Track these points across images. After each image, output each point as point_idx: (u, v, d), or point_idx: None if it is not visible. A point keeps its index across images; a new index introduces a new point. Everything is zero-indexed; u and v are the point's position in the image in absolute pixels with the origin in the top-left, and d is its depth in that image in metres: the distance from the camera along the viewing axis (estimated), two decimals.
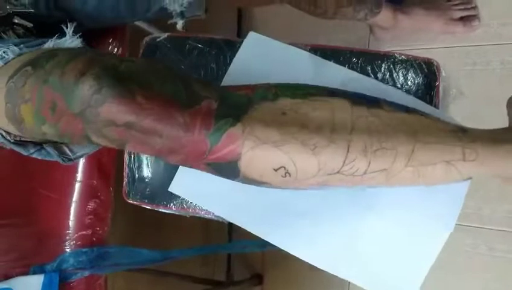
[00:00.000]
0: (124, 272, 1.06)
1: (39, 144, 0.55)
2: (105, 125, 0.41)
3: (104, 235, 0.85)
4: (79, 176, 0.84)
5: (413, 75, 0.59)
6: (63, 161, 0.58)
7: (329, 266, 0.55)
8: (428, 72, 0.59)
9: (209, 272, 1.32)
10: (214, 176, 0.45)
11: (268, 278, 1.25)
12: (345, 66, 0.59)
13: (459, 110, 0.62)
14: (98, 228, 0.84)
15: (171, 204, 0.66)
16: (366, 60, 0.60)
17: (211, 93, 0.43)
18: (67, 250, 0.81)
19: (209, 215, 0.64)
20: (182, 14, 0.69)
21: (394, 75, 0.59)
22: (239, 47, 0.63)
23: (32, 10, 0.64)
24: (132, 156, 0.68)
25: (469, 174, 0.44)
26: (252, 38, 0.62)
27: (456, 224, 0.53)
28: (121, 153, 0.73)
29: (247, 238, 1.11)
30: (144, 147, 0.42)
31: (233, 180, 0.45)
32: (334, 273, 0.55)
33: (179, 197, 0.64)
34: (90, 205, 0.83)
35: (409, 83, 0.59)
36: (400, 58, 0.59)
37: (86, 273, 0.79)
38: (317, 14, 0.86)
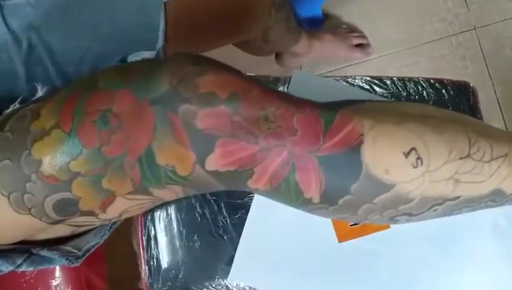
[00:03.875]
0: None
1: (26, 251, 0.41)
2: (201, 101, 0.32)
3: None
4: None
5: (455, 99, 0.57)
6: (70, 261, 0.44)
7: None
8: (467, 94, 0.57)
9: None
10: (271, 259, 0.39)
11: None
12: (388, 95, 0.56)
13: None
14: None
15: (211, 286, 0.53)
16: (408, 86, 0.57)
17: None
18: None
19: None
20: None
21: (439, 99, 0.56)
22: (263, 81, 0.58)
23: None
24: (152, 232, 0.53)
25: None
26: (298, 76, 0.57)
27: None
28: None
29: None
30: (238, 143, 0.33)
31: (345, 194, 0.35)
32: None
33: (217, 276, 0.52)
34: None
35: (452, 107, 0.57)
36: (433, 83, 0.57)
37: None
38: (264, 51, 0.84)
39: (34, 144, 0.33)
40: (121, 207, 0.37)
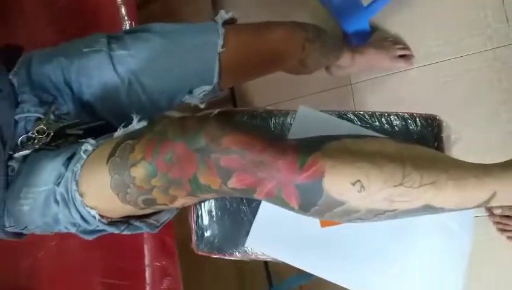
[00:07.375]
0: None
1: (126, 221, 0.66)
2: (223, 152, 0.51)
3: None
4: (147, 260, 0.93)
5: (421, 129, 0.72)
6: (151, 229, 0.69)
7: None
8: (433, 125, 0.72)
9: None
10: (283, 229, 0.59)
11: None
12: (368, 126, 0.74)
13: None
14: None
15: (237, 252, 0.78)
16: (383, 119, 0.73)
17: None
18: None
19: (266, 258, 0.76)
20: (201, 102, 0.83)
21: (408, 129, 0.72)
22: (277, 114, 0.78)
23: (77, 120, 0.74)
24: (199, 212, 0.79)
25: (494, 188, 0.54)
26: (302, 112, 0.77)
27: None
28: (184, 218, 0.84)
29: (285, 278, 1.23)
30: (245, 175, 0.52)
31: (314, 206, 0.52)
32: None
33: (243, 245, 0.76)
34: (164, 284, 0.92)
35: (418, 135, 0.72)
36: (406, 116, 0.73)
37: None
38: (303, 72, 1.01)
39: (131, 168, 0.55)
40: (181, 202, 0.61)
